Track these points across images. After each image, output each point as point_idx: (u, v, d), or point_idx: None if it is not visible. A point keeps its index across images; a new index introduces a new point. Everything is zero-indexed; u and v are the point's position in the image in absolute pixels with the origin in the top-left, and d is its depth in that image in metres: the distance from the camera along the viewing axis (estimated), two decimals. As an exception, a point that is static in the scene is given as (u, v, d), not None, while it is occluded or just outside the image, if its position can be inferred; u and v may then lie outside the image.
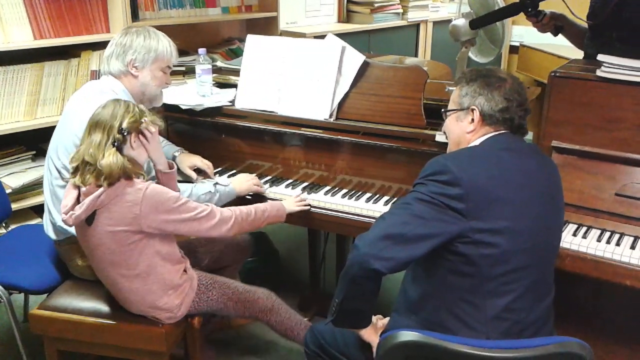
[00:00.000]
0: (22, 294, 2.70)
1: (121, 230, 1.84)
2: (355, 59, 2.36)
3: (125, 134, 1.85)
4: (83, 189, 1.82)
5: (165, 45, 2.23)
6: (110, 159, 1.80)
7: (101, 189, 1.80)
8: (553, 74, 2.10)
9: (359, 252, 1.47)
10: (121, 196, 1.83)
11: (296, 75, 2.42)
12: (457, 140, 1.72)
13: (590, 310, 2.11)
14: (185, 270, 2.07)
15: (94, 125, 1.86)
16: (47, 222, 2.21)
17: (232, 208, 2.05)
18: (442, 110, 1.80)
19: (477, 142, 1.66)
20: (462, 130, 1.70)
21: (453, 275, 1.52)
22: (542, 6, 2.55)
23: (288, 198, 2.27)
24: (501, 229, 1.49)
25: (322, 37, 3.08)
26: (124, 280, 1.94)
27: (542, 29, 2.74)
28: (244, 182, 2.34)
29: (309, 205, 2.27)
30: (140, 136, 1.91)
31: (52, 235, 2.20)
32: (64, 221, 1.86)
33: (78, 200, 1.84)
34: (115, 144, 1.83)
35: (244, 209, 2.07)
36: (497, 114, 1.65)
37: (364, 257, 1.45)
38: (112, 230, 1.85)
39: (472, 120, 1.67)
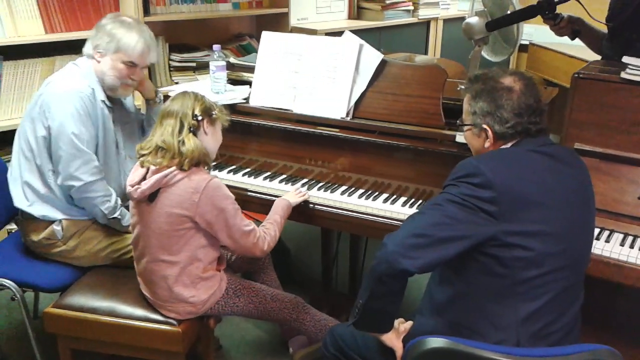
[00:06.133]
0: (32, 291, 2.67)
1: (177, 213, 1.89)
2: (373, 57, 2.34)
3: (199, 119, 1.92)
4: (152, 167, 1.88)
5: (132, 39, 2.19)
6: (191, 143, 1.88)
7: (170, 169, 1.86)
8: (576, 75, 2.07)
9: (387, 251, 1.45)
10: (186, 181, 1.88)
11: (312, 72, 2.39)
12: (478, 153, 1.69)
13: (605, 314, 2.09)
14: (219, 270, 2.08)
15: (165, 115, 1.93)
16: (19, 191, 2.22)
17: (264, 231, 2.06)
18: (457, 122, 1.78)
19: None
20: (480, 145, 1.67)
21: (484, 275, 1.50)
22: (559, 9, 2.52)
23: (286, 193, 2.26)
24: (534, 232, 1.47)
25: (334, 33, 3.04)
26: (162, 264, 1.96)
27: (560, 33, 2.71)
28: None
29: (308, 194, 2.27)
30: (211, 124, 1.98)
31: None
32: (129, 194, 1.92)
33: (144, 178, 1.90)
34: (191, 129, 1.91)
35: (271, 231, 2.09)
36: (510, 130, 1.60)
37: (393, 256, 1.43)
38: (169, 212, 1.89)
39: (487, 137, 1.64)
